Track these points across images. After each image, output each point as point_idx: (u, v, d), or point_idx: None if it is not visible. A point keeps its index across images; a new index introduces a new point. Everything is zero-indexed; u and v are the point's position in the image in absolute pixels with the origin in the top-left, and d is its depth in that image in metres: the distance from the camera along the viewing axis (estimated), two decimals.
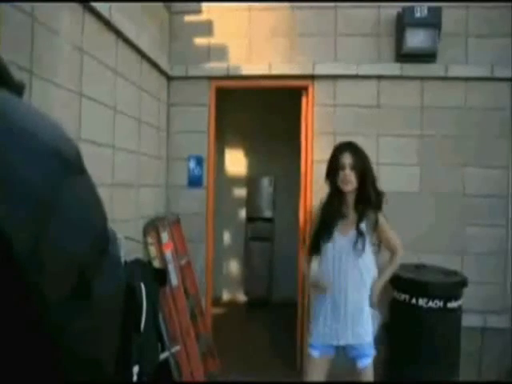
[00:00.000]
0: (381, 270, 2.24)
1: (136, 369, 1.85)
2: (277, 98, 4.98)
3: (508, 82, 3.32)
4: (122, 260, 1.74)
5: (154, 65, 3.19)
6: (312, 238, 2.18)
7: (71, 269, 0.42)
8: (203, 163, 3.57)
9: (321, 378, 2.13)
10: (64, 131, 0.51)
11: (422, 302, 2.80)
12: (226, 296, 5.88)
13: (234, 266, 5.95)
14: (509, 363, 3.25)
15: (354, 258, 2.06)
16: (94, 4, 2.17)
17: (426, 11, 3.13)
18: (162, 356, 2.43)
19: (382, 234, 2.17)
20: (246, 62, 3.50)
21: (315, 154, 3.40)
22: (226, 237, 5.94)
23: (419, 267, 3.11)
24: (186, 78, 3.55)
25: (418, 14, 3.14)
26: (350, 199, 2.10)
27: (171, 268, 2.90)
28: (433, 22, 3.16)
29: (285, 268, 5.24)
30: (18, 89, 0.52)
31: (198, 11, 3.55)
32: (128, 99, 2.77)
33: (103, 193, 2.41)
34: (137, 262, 2.33)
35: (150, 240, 2.90)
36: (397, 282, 2.99)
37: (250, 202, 5.77)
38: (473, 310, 3.13)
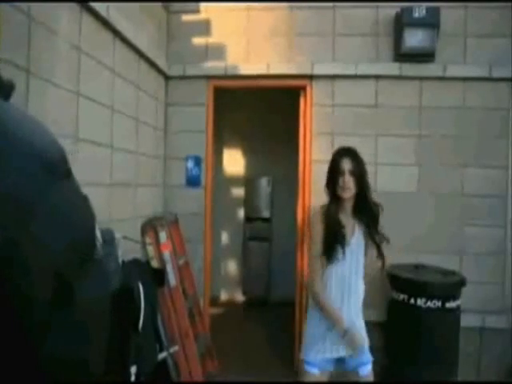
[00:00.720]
0: None
1: (134, 369, 1.84)
2: (275, 98, 4.97)
3: (506, 82, 3.32)
4: (120, 260, 1.73)
5: (152, 64, 3.18)
6: (326, 249, 2.00)
7: (52, 272, 0.41)
8: (201, 163, 3.56)
9: None
10: (50, 134, 0.50)
11: (420, 301, 2.80)
12: (224, 296, 5.87)
13: (232, 266, 5.94)
14: (508, 363, 3.25)
15: (357, 266, 2.02)
16: (91, 3, 2.16)
17: (424, 11, 3.14)
18: (160, 356, 2.42)
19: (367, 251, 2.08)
20: (244, 61, 3.49)
21: (313, 153, 3.40)
22: (224, 237, 5.93)
23: (418, 267, 3.11)
24: (184, 77, 3.55)
25: (416, 14, 3.15)
26: (348, 206, 2.05)
27: (169, 268, 2.89)
28: (431, 22, 3.16)
29: (283, 268, 5.23)
30: (6, 89, 0.51)
31: (196, 11, 3.55)
32: (126, 99, 2.76)
33: (101, 192, 2.40)
34: (135, 261, 2.32)
35: (148, 240, 2.88)
36: (395, 281, 2.99)
37: (249, 202, 5.76)
38: (471, 310, 3.14)
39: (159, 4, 3.38)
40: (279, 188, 5.62)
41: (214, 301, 5.15)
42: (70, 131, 2.08)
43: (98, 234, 1.39)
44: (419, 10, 3.14)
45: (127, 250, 2.39)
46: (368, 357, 2.02)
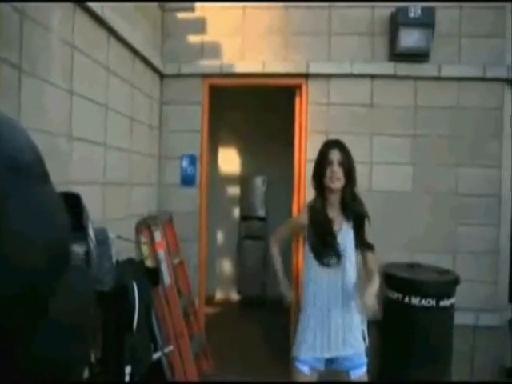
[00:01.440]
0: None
1: (128, 369, 1.84)
2: (271, 97, 4.97)
3: (500, 82, 3.34)
4: (114, 259, 1.72)
5: (147, 62, 3.17)
6: (315, 244, 2.01)
7: (21, 280, 0.39)
8: (196, 162, 3.55)
9: None
10: (23, 135, 0.47)
11: (415, 300, 2.81)
12: (219, 295, 5.86)
13: (227, 265, 5.93)
14: (501, 360, 3.28)
15: (345, 262, 1.96)
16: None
17: (419, 11, 3.14)
18: (155, 356, 2.41)
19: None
20: (239, 60, 3.48)
21: (308, 153, 3.39)
22: (220, 236, 5.92)
23: (412, 266, 3.12)
24: (179, 75, 3.53)
25: (411, 14, 3.15)
26: (335, 200, 2.00)
27: (164, 267, 2.88)
28: (426, 22, 3.17)
29: None
30: None
31: (192, 9, 3.53)
32: (120, 97, 2.75)
33: (95, 191, 2.38)
34: (129, 261, 2.31)
35: (142, 239, 2.88)
36: (390, 280, 3.00)
37: (244, 201, 5.76)
38: (465, 308, 3.15)
39: (154, 2, 3.36)
40: (274, 187, 5.62)
41: (209, 300, 5.14)
42: (64, 130, 2.06)
43: (91, 233, 1.38)
44: (414, 10, 3.14)
45: (121, 250, 2.37)
46: (362, 359, 1.96)
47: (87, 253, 1.25)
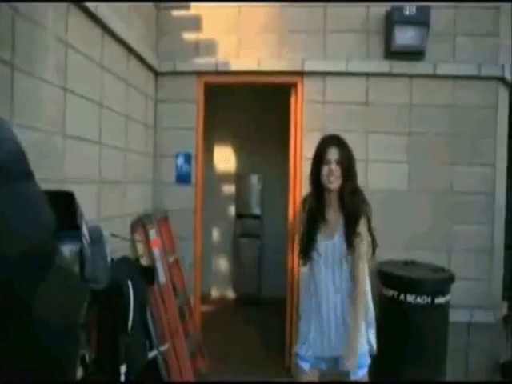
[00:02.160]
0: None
1: (123, 368, 1.83)
2: (266, 95, 4.96)
3: (495, 81, 3.35)
4: (109, 258, 1.71)
5: (142, 60, 3.15)
6: (300, 245, 2.01)
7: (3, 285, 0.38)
8: (191, 160, 3.54)
9: None
10: (4, 134, 0.45)
11: (410, 298, 2.83)
12: (214, 293, 5.86)
13: (222, 263, 5.93)
14: (494, 357, 3.30)
15: (342, 263, 1.90)
16: None
17: (414, 9, 3.15)
18: (150, 355, 2.40)
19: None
20: (234, 57, 3.47)
21: (304, 150, 3.39)
22: (215, 234, 5.92)
23: (407, 264, 3.13)
24: (174, 73, 3.51)
25: (406, 12, 3.16)
26: (334, 198, 1.93)
27: (159, 265, 2.88)
28: (421, 20, 3.17)
29: (274, 265, 5.24)
30: None
31: (187, 7, 3.51)
32: (115, 95, 2.73)
33: (90, 190, 2.37)
34: (124, 259, 2.30)
35: (137, 237, 2.87)
36: (385, 278, 3.01)
37: (239, 199, 5.76)
38: (460, 305, 3.16)
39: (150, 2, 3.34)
40: (270, 185, 5.62)
41: (205, 298, 5.14)
42: (58, 128, 2.04)
43: (86, 231, 1.37)
44: (409, 9, 3.15)
45: (116, 248, 2.36)
46: (363, 361, 1.92)
47: (81, 251, 1.24)
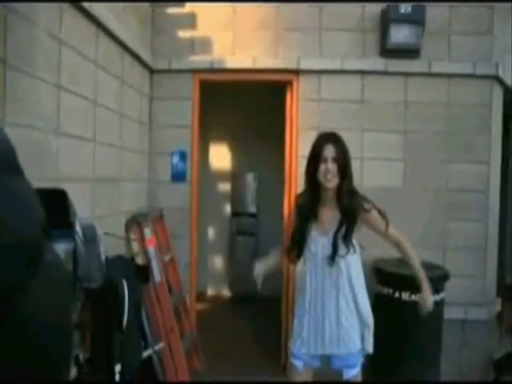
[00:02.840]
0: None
1: (118, 367, 1.82)
2: (262, 93, 4.95)
3: (489, 79, 3.37)
4: (103, 257, 1.70)
5: (137, 57, 3.13)
6: (291, 241, 2.01)
7: None
8: (187, 158, 3.52)
9: None
10: None
11: (405, 295, 2.84)
12: (210, 291, 5.86)
13: (218, 262, 5.93)
14: (488, 354, 3.32)
15: (337, 259, 1.89)
16: None
17: (409, 8, 3.16)
18: (145, 354, 2.40)
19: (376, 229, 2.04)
20: (230, 55, 3.46)
21: (299, 149, 3.39)
22: (211, 232, 5.91)
23: (402, 261, 3.12)
24: (170, 71, 3.50)
25: (402, 11, 3.16)
26: (330, 195, 1.92)
27: (154, 264, 2.87)
28: (417, 19, 3.18)
29: None
30: None
31: (182, 4, 3.49)
32: (109, 92, 2.71)
33: (84, 188, 2.35)
34: (118, 258, 2.29)
35: (132, 236, 2.85)
36: (380, 275, 3.02)
37: (235, 197, 5.76)
38: (454, 302, 3.18)
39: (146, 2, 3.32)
40: (265, 183, 5.62)
41: (201, 296, 5.13)
42: (51, 125, 2.02)
43: (79, 230, 1.36)
44: (405, 7, 3.15)
45: (111, 247, 2.35)
46: (356, 360, 1.94)
47: (74, 250, 1.23)
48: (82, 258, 1.29)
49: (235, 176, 5.78)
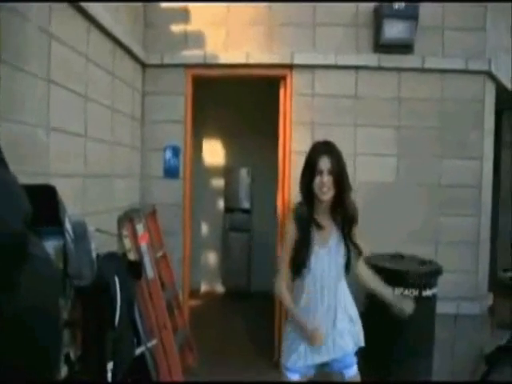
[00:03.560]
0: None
1: (110, 365, 1.81)
2: (255, 88, 4.93)
3: (482, 75, 3.37)
4: (94, 253, 1.68)
5: (129, 52, 3.09)
6: (293, 257, 1.89)
7: None
8: (180, 153, 3.50)
9: None
10: None
11: (398, 291, 2.84)
12: (204, 287, 5.85)
13: (211, 258, 5.92)
14: (480, 347, 3.35)
15: (337, 268, 1.88)
16: None
17: (403, 3, 3.15)
18: (138, 351, 2.38)
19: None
20: (223, 50, 3.43)
21: (293, 144, 3.38)
22: (204, 228, 5.89)
23: (395, 256, 3.15)
24: (162, 66, 3.46)
25: (395, 6, 3.16)
26: (326, 206, 1.88)
27: (147, 260, 2.85)
28: (410, 14, 3.18)
29: (263, 258, 5.24)
30: None
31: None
32: (101, 87, 2.68)
33: (75, 184, 2.33)
34: (110, 255, 2.26)
35: (124, 232, 2.83)
36: (373, 271, 3.02)
37: (228, 192, 5.74)
38: (447, 297, 3.19)
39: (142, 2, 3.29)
40: (259, 178, 5.60)
41: (194, 292, 5.12)
42: (41, 120, 1.99)
43: (69, 227, 1.34)
44: (398, 3, 3.14)
45: (103, 244, 2.33)
46: (352, 359, 1.94)
47: (64, 247, 1.21)
48: (72, 255, 1.27)
49: (229, 171, 5.76)
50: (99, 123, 2.67)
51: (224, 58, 3.41)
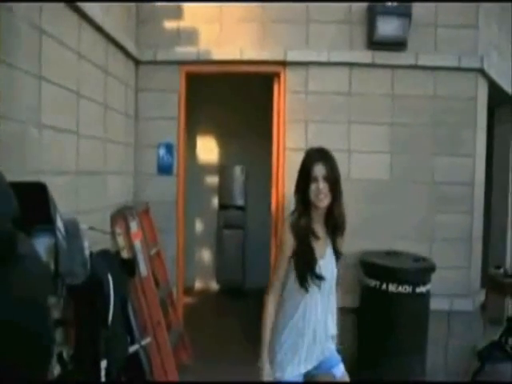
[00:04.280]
0: None
1: (104, 363, 1.80)
2: (249, 85, 4.92)
3: (474, 72, 3.39)
4: (87, 252, 1.66)
5: (121, 48, 3.07)
6: (299, 270, 1.82)
7: None
8: (173, 150, 3.48)
9: None
10: None
11: (392, 287, 2.86)
12: (198, 285, 5.84)
13: (206, 255, 5.91)
14: (473, 343, 3.38)
15: (333, 278, 1.87)
16: None
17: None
18: (132, 349, 2.37)
19: None
20: (216, 46, 3.41)
21: (287, 141, 3.38)
22: (198, 225, 5.88)
23: (389, 253, 3.17)
24: (155, 62, 3.44)
25: (389, 3, 3.17)
26: (320, 215, 1.84)
27: (140, 258, 2.84)
28: (403, 11, 3.19)
29: (257, 256, 5.24)
30: None
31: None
32: (93, 84, 2.65)
33: (67, 181, 2.31)
34: (103, 253, 2.25)
35: (117, 230, 2.82)
36: (368, 268, 3.04)
37: (222, 189, 5.73)
38: (440, 294, 3.21)
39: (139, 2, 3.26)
40: (253, 176, 5.60)
41: (188, 290, 5.12)
42: (33, 117, 1.97)
43: (60, 225, 1.33)
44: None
45: (97, 241, 2.31)
46: (337, 357, 1.94)
47: (55, 246, 1.20)
48: (64, 253, 1.26)
49: (223, 169, 5.75)
50: (92, 120, 2.65)
51: (217, 55, 3.39)
